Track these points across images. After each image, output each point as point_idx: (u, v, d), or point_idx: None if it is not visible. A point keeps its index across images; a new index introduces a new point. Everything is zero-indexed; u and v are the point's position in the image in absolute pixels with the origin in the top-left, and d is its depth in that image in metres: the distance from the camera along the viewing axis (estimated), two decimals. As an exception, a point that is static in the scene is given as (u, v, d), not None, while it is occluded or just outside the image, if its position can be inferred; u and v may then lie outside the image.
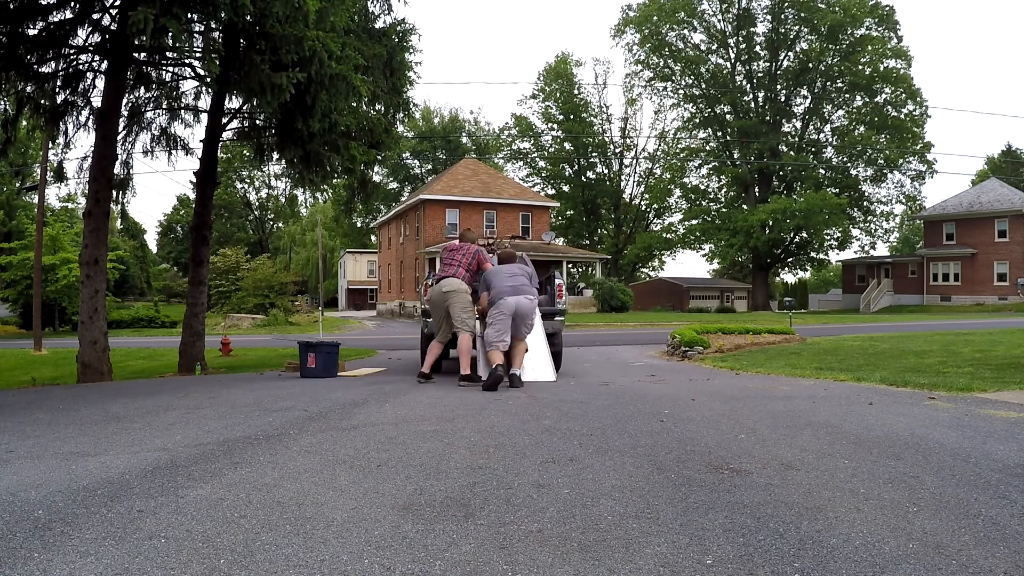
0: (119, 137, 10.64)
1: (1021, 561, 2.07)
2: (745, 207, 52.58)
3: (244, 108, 12.07)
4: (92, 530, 2.36)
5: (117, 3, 9.16)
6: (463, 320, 7.11)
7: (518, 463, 3.32)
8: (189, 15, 8.45)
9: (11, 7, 8.41)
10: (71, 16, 9.22)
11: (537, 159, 63.01)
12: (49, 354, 17.98)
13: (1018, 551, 2.14)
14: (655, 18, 53.26)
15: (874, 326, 24.65)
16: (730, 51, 54.28)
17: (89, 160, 9.95)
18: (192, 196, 13.86)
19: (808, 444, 3.69)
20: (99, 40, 9.66)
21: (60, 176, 12.52)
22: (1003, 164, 64.90)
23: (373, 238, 62.17)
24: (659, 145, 61.38)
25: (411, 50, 12.21)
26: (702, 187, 58.61)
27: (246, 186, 76.33)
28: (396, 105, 12.38)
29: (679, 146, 59.04)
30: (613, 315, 34.60)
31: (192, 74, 11.29)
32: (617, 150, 62.66)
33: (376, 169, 30.74)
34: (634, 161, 63.06)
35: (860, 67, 49.29)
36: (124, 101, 10.54)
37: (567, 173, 62.08)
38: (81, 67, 10.30)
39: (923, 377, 7.04)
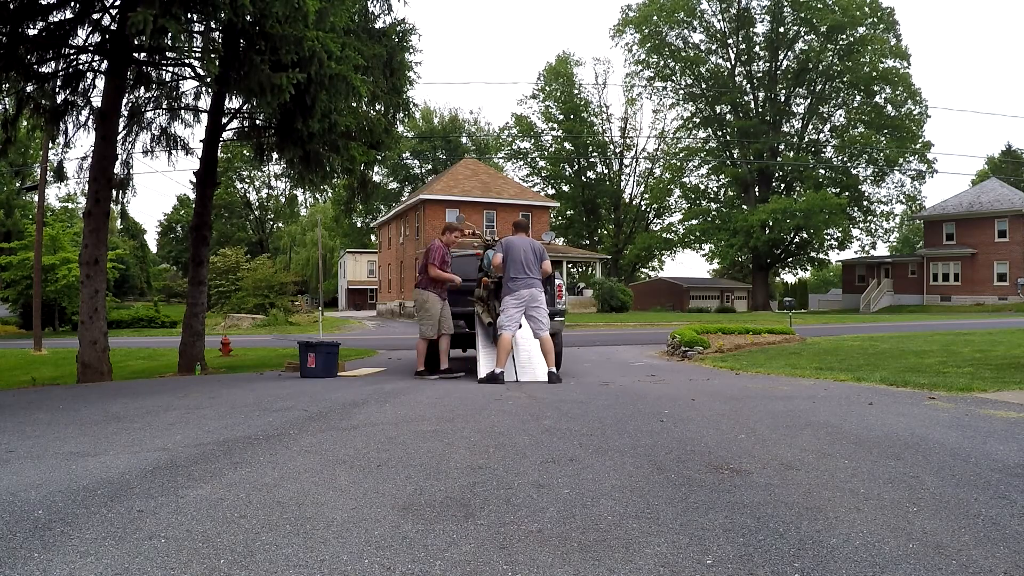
0: (119, 137, 10.64)
1: (1021, 561, 2.07)
2: (745, 207, 52.59)
3: (244, 108, 12.07)
4: (92, 530, 2.36)
5: (117, 3, 9.16)
6: (421, 330, 8.05)
7: (518, 463, 3.32)
8: (189, 15, 8.45)
9: (11, 7, 8.41)
10: (71, 16, 9.22)
11: (537, 159, 63.07)
12: (49, 354, 17.98)
13: (1018, 551, 2.14)
14: (655, 18, 53.29)
15: (874, 326, 24.65)
16: (730, 51, 54.31)
17: (89, 160, 9.95)
18: (192, 196, 13.86)
19: (808, 444, 3.69)
20: (99, 40, 9.66)
21: (60, 176, 12.52)
22: (1003, 164, 64.89)
23: (373, 238, 62.18)
24: (659, 145, 61.50)
25: (411, 50, 12.20)
26: (702, 187, 58.66)
27: (246, 186, 76.39)
28: (396, 105, 12.37)
29: (679, 146, 59.09)
30: (613, 315, 34.61)
31: (192, 74, 11.30)
32: (617, 150, 62.73)
33: (376, 169, 30.74)
34: (634, 161, 63.15)
35: (859, 67, 49.30)
36: (124, 101, 10.54)
37: (567, 173, 62.10)
38: (81, 67, 10.30)
39: (923, 377, 7.04)
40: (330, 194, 59.53)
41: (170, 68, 11.34)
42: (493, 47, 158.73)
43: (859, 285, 51.08)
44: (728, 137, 54.29)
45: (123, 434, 4.20)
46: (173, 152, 12.14)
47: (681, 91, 56.42)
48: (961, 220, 45.27)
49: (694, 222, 55.49)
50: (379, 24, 12.01)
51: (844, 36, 49.38)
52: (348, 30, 10.17)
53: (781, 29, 51.35)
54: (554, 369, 7.45)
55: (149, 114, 11.90)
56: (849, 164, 52.51)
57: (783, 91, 53.46)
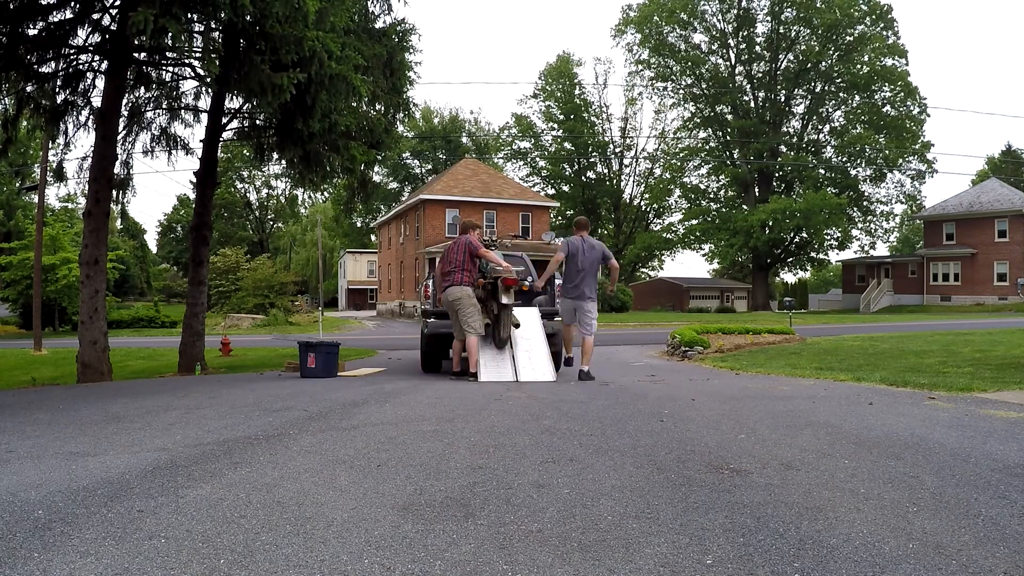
0: (119, 137, 10.64)
1: (1021, 561, 2.07)
2: (745, 207, 52.60)
3: (244, 108, 12.07)
4: (92, 530, 2.36)
5: (117, 3, 9.16)
6: (470, 324, 7.58)
7: (518, 463, 3.32)
8: (189, 15, 8.45)
9: (11, 7, 8.41)
10: (71, 16, 9.22)
11: (537, 159, 63.06)
12: (49, 354, 17.98)
13: (1018, 551, 2.14)
14: (655, 18, 53.29)
15: (874, 326, 24.65)
16: (730, 51, 54.32)
17: (89, 160, 9.95)
18: (192, 196, 13.87)
19: (808, 444, 3.69)
20: (99, 40, 9.66)
21: (60, 176, 12.52)
22: (1003, 164, 64.88)
23: (373, 238, 62.18)
24: (659, 145, 61.46)
25: (411, 50, 12.21)
26: (702, 187, 58.65)
27: (246, 186, 76.33)
28: (396, 105, 12.38)
29: (679, 146, 59.07)
30: (613, 315, 34.61)
31: (192, 74, 11.30)
32: (617, 150, 62.70)
33: (376, 169, 30.74)
34: (634, 161, 63.11)
35: (859, 67, 49.33)
36: (124, 101, 10.54)
37: (567, 173, 62.09)
38: (81, 67, 10.29)
39: (923, 377, 7.04)
40: (330, 194, 59.61)
41: (170, 68, 11.34)
42: (493, 47, 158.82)
43: (859, 285, 51.07)
44: (728, 137, 54.29)
45: (123, 434, 4.20)
46: (173, 152, 12.16)
47: (681, 91, 56.44)
48: (961, 220, 45.26)
49: (694, 222, 55.48)
50: (379, 24, 12.02)
51: (843, 35, 49.40)
52: (348, 30, 10.17)
53: (781, 29, 51.35)
54: (586, 368, 7.69)
55: (149, 114, 11.91)
56: (849, 164, 52.51)
57: (783, 91, 53.45)
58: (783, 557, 2.11)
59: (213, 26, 9.33)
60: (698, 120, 56.67)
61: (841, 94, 52.14)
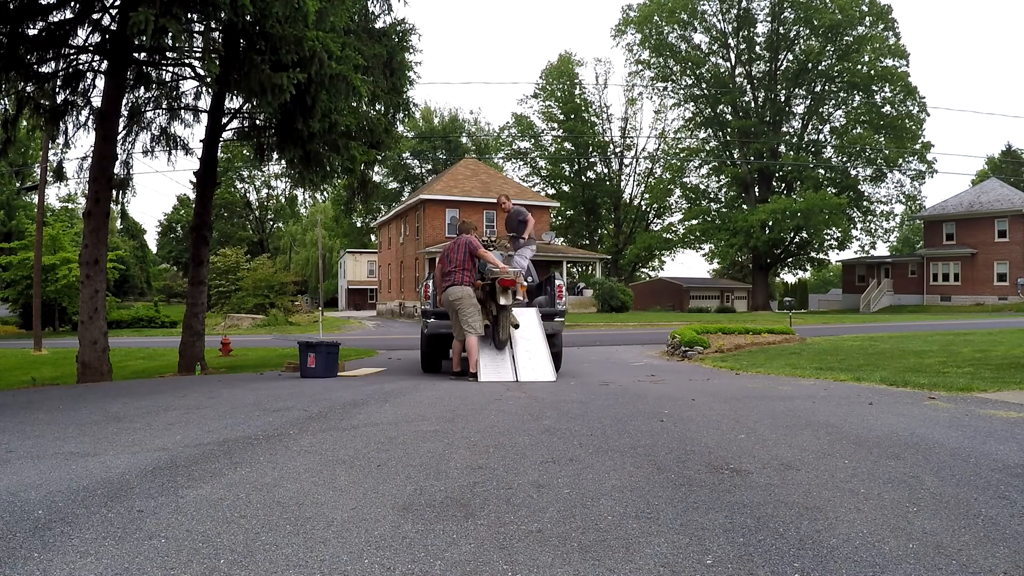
0: (119, 137, 10.64)
1: (1021, 561, 2.07)
2: (745, 207, 52.58)
3: (244, 108, 12.07)
4: (92, 530, 2.36)
5: (117, 3, 9.16)
6: (470, 324, 7.63)
7: (518, 463, 3.32)
8: (189, 15, 8.44)
9: (11, 7, 8.41)
10: (71, 16, 9.22)
11: (537, 159, 63.08)
12: (49, 354, 17.98)
13: (1018, 551, 2.14)
14: (655, 18, 53.29)
15: (874, 326, 24.64)
16: (731, 52, 54.30)
17: (89, 160, 9.95)
18: (192, 196, 13.87)
19: (808, 444, 3.69)
20: (99, 40, 9.66)
21: (60, 176, 12.52)
22: (1003, 164, 64.88)
23: (373, 238, 62.18)
24: (659, 145, 61.47)
25: (411, 50, 12.21)
26: (702, 187, 58.62)
27: (246, 186, 76.35)
28: (396, 105, 12.37)
29: (679, 146, 59.05)
30: (613, 315, 34.60)
31: (192, 74, 11.29)
32: (617, 150, 62.72)
33: (376, 169, 30.73)
34: (634, 161, 63.15)
35: (859, 67, 49.31)
36: (124, 101, 10.53)
37: (567, 173, 62.10)
38: (81, 67, 10.29)
39: (923, 377, 7.04)
40: (330, 194, 59.65)
41: (170, 68, 11.34)
42: (493, 47, 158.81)
43: (859, 285, 51.07)
44: (728, 137, 54.27)
45: (123, 434, 4.20)
46: (173, 152, 12.15)
47: (682, 91, 56.45)
48: (961, 220, 45.26)
49: (694, 222, 55.46)
50: (379, 24, 12.02)
51: (843, 36, 49.39)
52: (348, 30, 10.17)
53: (781, 29, 51.35)
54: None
55: (149, 114, 11.91)
56: (849, 164, 52.50)
57: (783, 91, 53.44)
58: (783, 557, 2.11)
59: (213, 26, 9.32)
60: (698, 120, 56.65)
61: (841, 94, 52.11)
